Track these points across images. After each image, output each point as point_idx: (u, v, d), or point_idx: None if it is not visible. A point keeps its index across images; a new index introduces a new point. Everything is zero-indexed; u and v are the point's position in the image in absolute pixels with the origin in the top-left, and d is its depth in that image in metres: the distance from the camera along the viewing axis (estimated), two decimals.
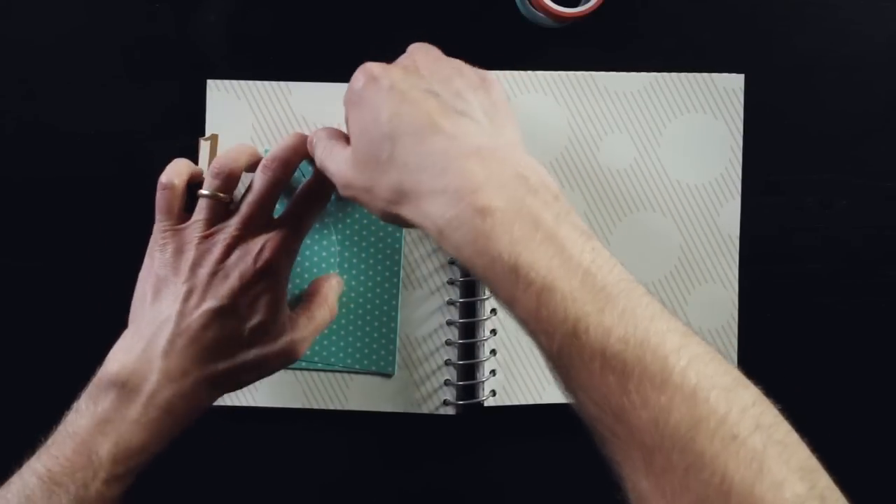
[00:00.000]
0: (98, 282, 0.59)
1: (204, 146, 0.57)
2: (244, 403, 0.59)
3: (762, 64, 0.60)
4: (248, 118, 0.58)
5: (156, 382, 0.45)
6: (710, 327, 0.60)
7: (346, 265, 0.58)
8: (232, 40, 0.59)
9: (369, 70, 0.44)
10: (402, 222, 0.42)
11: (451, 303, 0.59)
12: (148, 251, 0.51)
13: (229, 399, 0.59)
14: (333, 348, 0.58)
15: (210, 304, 0.47)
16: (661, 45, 0.60)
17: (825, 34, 0.61)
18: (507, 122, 0.44)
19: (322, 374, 0.59)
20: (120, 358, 0.47)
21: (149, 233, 0.60)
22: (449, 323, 0.59)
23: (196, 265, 0.48)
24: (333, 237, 0.58)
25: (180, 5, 0.59)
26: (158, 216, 0.50)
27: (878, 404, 0.62)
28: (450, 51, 0.59)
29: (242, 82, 0.58)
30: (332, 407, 0.59)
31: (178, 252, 0.49)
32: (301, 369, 0.59)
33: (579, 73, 0.59)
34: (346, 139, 0.47)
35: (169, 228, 0.50)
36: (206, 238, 0.49)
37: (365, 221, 0.58)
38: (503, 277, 0.36)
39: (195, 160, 0.54)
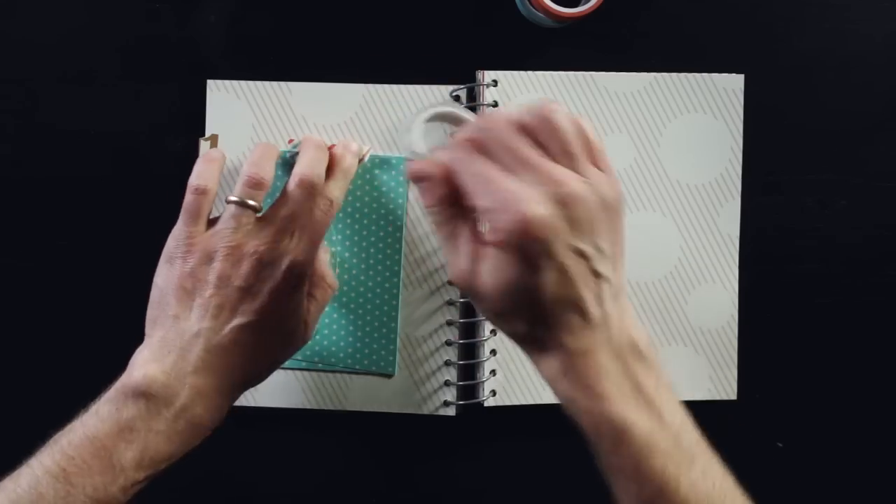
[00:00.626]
0: (98, 282, 0.59)
1: (204, 146, 0.57)
2: (245, 403, 0.59)
3: (762, 64, 0.60)
4: (248, 118, 0.58)
5: (186, 398, 0.45)
6: (710, 327, 0.60)
7: (346, 265, 0.58)
8: (232, 40, 0.59)
9: (529, 211, 0.39)
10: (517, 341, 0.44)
11: (450, 303, 0.59)
12: (166, 255, 0.49)
13: None
14: (334, 348, 0.58)
15: (241, 320, 0.47)
16: (661, 45, 0.60)
17: (825, 34, 0.61)
18: (623, 254, 0.43)
19: (322, 374, 0.59)
20: (148, 369, 0.46)
21: (149, 232, 0.60)
22: (449, 323, 0.59)
23: (225, 278, 0.47)
24: (334, 237, 0.58)
25: (180, 5, 0.59)
26: (185, 220, 0.49)
27: (878, 404, 0.62)
28: (450, 51, 0.59)
29: (242, 82, 0.58)
30: (332, 407, 0.59)
31: (205, 261, 0.48)
32: (301, 370, 0.59)
33: (579, 74, 0.59)
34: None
35: (196, 235, 0.49)
36: (234, 248, 0.48)
37: (365, 222, 0.58)
38: (608, 433, 0.40)
39: (194, 160, 0.54)
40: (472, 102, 0.58)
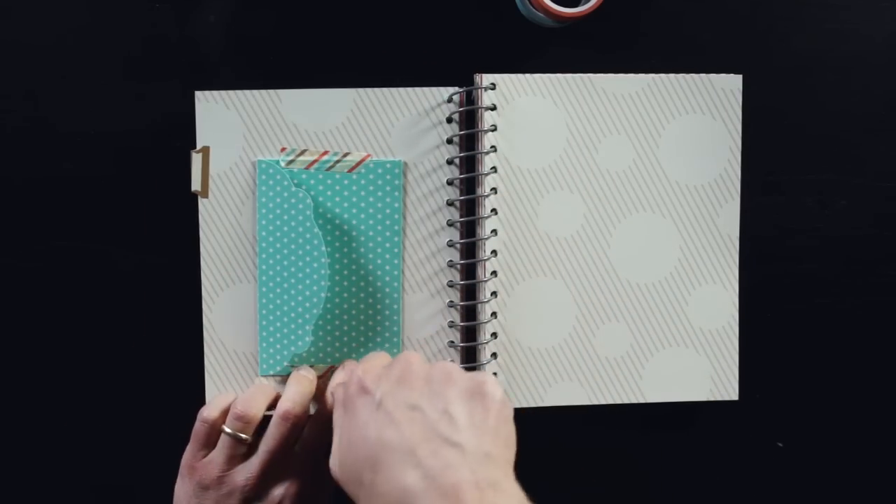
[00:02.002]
0: (98, 282, 0.59)
1: (196, 159, 0.57)
2: None
3: (761, 64, 0.60)
4: (238, 128, 0.58)
5: None
6: (710, 328, 0.60)
7: (346, 271, 0.58)
8: (232, 41, 0.59)
9: (361, 382, 0.47)
10: None
11: (451, 305, 0.59)
12: (181, 468, 0.55)
13: None
14: (336, 354, 0.58)
15: None
16: (661, 45, 0.60)
17: (825, 34, 0.61)
18: (497, 439, 0.44)
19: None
20: None
21: (149, 233, 0.60)
22: (450, 325, 0.59)
23: None
24: (324, 248, 0.58)
25: (180, 5, 0.59)
26: (191, 445, 0.55)
27: (878, 404, 0.62)
28: (450, 51, 0.59)
29: (231, 92, 0.58)
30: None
31: (202, 487, 0.53)
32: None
33: (577, 76, 0.59)
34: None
35: (198, 460, 0.54)
36: (223, 478, 0.53)
37: (362, 227, 0.58)
38: None
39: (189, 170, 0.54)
40: (470, 106, 0.58)
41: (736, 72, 0.59)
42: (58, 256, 0.59)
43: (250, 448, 0.54)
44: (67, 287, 0.59)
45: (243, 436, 0.53)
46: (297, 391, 0.55)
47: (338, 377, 0.54)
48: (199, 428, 0.54)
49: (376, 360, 0.52)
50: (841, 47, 0.61)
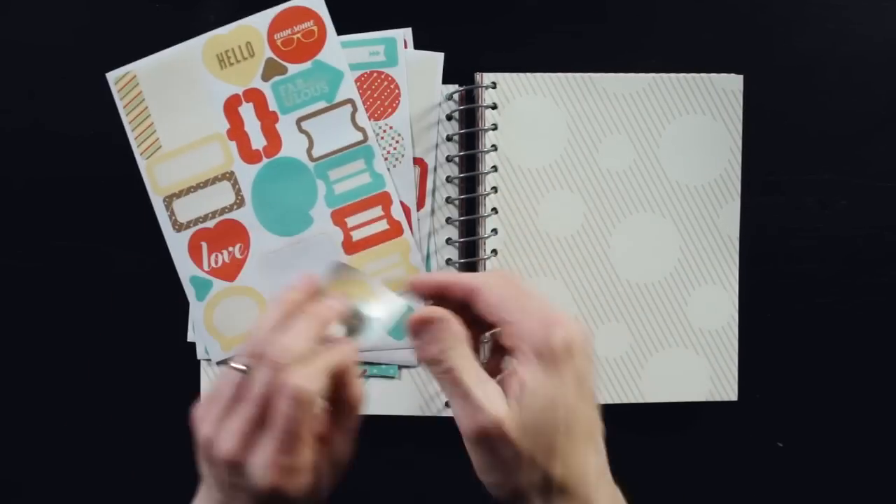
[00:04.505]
0: (98, 282, 0.59)
1: None
2: None
3: (762, 64, 0.60)
4: None
5: None
6: (710, 328, 0.60)
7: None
8: None
9: (570, 345, 0.40)
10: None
11: None
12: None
13: None
14: None
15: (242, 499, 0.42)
16: (662, 45, 0.60)
17: (825, 34, 0.61)
18: None
19: None
20: None
21: (149, 233, 0.60)
22: None
23: (212, 468, 0.43)
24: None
25: (180, 5, 0.59)
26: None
27: (878, 404, 0.62)
28: (450, 52, 0.59)
29: None
30: None
31: (208, 460, 0.43)
32: None
33: (578, 75, 0.59)
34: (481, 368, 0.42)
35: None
36: (210, 443, 0.42)
37: None
38: None
39: None
40: (471, 104, 0.58)
41: (736, 72, 0.59)
42: (58, 256, 0.59)
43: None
44: (67, 287, 0.59)
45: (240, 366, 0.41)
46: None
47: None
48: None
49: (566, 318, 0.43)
50: (841, 47, 0.61)
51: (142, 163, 0.57)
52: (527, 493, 0.41)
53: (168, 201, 0.57)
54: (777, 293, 0.61)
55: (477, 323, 0.43)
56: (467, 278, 0.43)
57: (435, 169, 0.59)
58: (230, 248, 0.57)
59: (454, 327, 0.42)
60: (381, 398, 0.59)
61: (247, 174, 0.57)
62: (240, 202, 0.57)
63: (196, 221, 0.57)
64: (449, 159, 0.58)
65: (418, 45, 0.59)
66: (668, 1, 0.60)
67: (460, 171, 0.58)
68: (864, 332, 0.62)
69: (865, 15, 0.61)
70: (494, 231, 0.58)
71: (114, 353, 0.60)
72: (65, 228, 0.59)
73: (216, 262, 0.58)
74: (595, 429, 0.42)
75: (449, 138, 0.58)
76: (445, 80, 0.58)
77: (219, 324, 0.58)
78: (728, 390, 0.60)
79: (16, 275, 0.59)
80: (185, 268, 0.58)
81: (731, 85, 0.59)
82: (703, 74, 0.59)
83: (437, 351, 0.41)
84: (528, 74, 0.58)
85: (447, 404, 0.59)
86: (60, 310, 0.59)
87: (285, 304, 0.43)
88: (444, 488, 0.61)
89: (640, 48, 0.60)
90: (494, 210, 0.58)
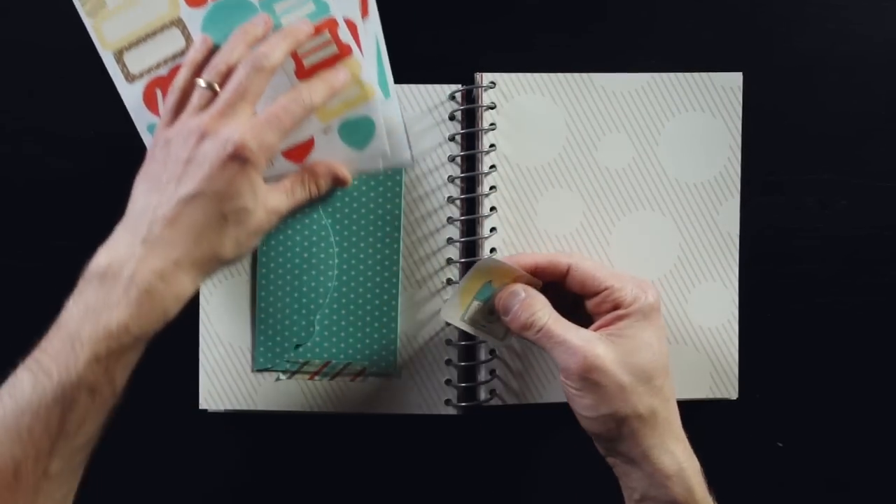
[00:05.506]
0: None
1: None
2: (245, 408, 0.59)
3: (762, 63, 0.60)
4: None
5: (134, 266, 0.45)
6: (710, 326, 0.60)
7: (344, 266, 0.58)
8: None
9: (656, 301, 0.51)
10: (621, 436, 0.49)
11: None
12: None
13: (230, 404, 0.59)
14: (334, 350, 0.58)
15: (184, 190, 0.47)
16: (661, 44, 0.60)
17: (825, 34, 0.61)
18: None
19: (322, 377, 0.59)
20: (104, 251, 0.47)
21: None
22: (449, 324, 0.59)
23: (175, 153, 0.48)
24: (332, 238, 0.58)
25: None
26: (161, 118, 0.52)
27: (878, 404, 0.62)
28: (450, 52, 0.59)
29: None
30: (332, 410, 0.59)
31: (166, 144, 0.49)
32: (301, 373, 0.59)
33: (577, 75, 0.59)
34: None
35: (166, 125, 0.51)
36: (186, 125, 0.49)
37: (363, 222, 0.58)
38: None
39: None
40: (471, 104, 0.58)
41: (736, 71, 0.59)
42: (58, 256, 0.59)
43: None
44: (67, 287, 0.59)
45: (216, 85, 0.50)
46: (272, 37, 0.52)
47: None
48: (170, 96, 0.52)
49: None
50: (841, 47, 0.61)
51: (88, 22, 0.57)
52: (628, 420, 0.47)
53: (118, 55, 0.57)
54: (777, 293, 0.61)
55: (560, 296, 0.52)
56: (558, 257, 0.52)
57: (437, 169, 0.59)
58: None
59: (536, 295, 0.51)
60: (381, 397, 0.59)
61: (194, 18, 0.56)
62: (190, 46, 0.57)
63: (149, 71, 0.57)
64: (451, 159, 0.58)
65: (418, 44, 0.59)
66: (668, 0, 0.60)
67: (462, 171, 0.58)
68: (864, 332, 0.62)
69: (865, 15, 0.61)
70: (494, 230, 0.58)
71: None
72: (65, 228, 0.59)
73: None
74: (669, 367, 0.50)
75: (451, 138, 0.58)
76: (446, 80, 0.58)
77: None
78: (728, 388, 0.60)
79: (16, 275, 0.59)
80: (142, 118, 0.57)
81: (730, 82, 0.59)
82: (702, 73, 0.59)
83: (527, 316, 0.50)
84: (526, 74, 0.58)
85: (446, 402, 0.59)
86: (60, 310, 0.59)
87: (248, 34, 0.52)
88: (444, 488, 0.61)
89: (640, 48, 0.60)
90: (494, 209, 0.58)
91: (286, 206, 0.52)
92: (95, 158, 0.59)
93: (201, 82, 0.50)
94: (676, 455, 0.48)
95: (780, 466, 0.61)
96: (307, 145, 0.56)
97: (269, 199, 0.50)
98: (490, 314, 0.54)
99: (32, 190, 0.59)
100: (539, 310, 0.50)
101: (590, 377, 0.47)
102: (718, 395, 0.60)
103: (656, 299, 0.50)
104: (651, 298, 0.50)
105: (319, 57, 0.55)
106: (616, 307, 0.50)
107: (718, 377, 0.60)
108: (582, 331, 0.49)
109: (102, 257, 0.47)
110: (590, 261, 0.52)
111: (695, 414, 0.61)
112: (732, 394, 0.60)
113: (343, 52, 0.55)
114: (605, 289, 0.50)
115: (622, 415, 0.47)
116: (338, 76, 0.54)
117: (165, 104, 0.52)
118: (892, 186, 0.61)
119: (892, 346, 0.62)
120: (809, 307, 0.62)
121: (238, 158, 0.47)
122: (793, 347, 0.61)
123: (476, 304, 0.53)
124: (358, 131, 0.56)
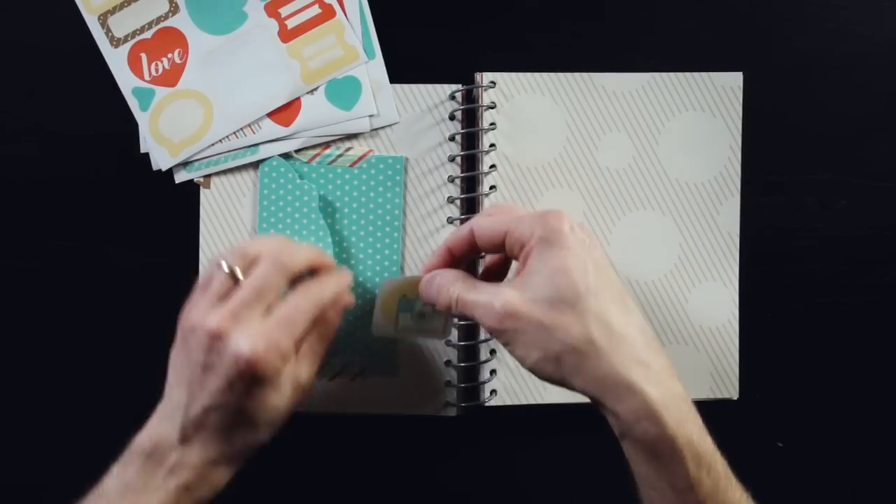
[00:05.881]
0: (98, 282, 0.59)
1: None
2: None
3: (762, 63, 0.60)
4: None
5: (174, 459, 0.46)
6: (710, 325, 0.60)
7: (344, 266, 0.58)
8: None
9: (571, 223, 0.45)
10: (566, 374, 0.44)
11: None
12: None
13: None
14: (333, 350, 0.58)
15: (206, 399, 0.46)
16: (661, 44, 0.60)
17: (825, 34, 0.61)
18: None
19: (322, 377, 0.59)
20: (150, 430, 0.47)
21: (149, 233, 0.60)
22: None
23: (194, 354, 0.46)
24: (330, 239, 0.58)
25: None
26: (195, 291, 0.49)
27: (878, 404, 0.62)
28: (450, 52, 0.59)
29: None
30: (333, 410, 0.59)
31: (187, 336, 0.47)
32: None
33: (577, 74, 0.59)
34: (478, 279, 0.49)
35: (193, 304, 0.48)
36: (204, 322, 0.46)
37: (363, 222, 0.58)
38: (692, 457, 0.44)
39: None
40: (471, 104, 0.58)
41: (736, 71, 0.59)
42: (58, 256, 0.59)
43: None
44: (67, 287, 0.59)
45: (238, 273, 0.47)
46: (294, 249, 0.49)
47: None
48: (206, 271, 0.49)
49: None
50: (841, 47, 0.61)
51: None
52: (563, 357, 0.43)
53: (103, 19, 0.58)
54: (777, 293, 0.61)
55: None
56: (460, 230, 0.49)
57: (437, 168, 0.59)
58: (169, 55, 0.58)
59: (446, 272, 0.49)
60: (381, 398, 0.59)
61: None
62: (174, 9, 0.58)
63: (133, 34, 0.58)
64: (451, 159, 0.58)
65: (418, 44, 0.59)
66: (668, 0, 0.60)
67: (462, 170, 0.58)
68: (864, 332, 0.62)
69: (865, 15, 0.61)
70: None
71: (114, 352, 0.59)
72: (65, 228, 0.59)
73: (157, 71, 0.58)
74: (620, 290, 0.45)
75: (451, 138, 0.58)
76: (446, 80, 0.58)
77: (165, 130, 0.58)
78: (729, 388, 0.60)
79: (16, 275, 0.59)
80: (127, 81, 0.58)
81: (730, 82, 0.59)
82: (702, 72, 0.59)
83: (444, 296, 0.48)
84: (526, 74, 0.58)
85: (446, 403, 0.59)
86: (60, 310, 0.59)
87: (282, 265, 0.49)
88: (444, 488, 0.61)
89: (640, 48, 0.60)
90: None
91: (315, 368, 0.50)
92: (95, 158, 0.59)
93: (224, 266, 0.47)
94: (637, 384, 0.43)
95: (780, 466, 0.61)
96: (295, 107, 0.56)
97: (300, 374, 0.48)
98: (421, 318, 0.53)
99: (32, 190, 0.59)
100: (451, 284, 0.48)
101: (506, 326, 0.44)
102: (719, 395, 0.60)
103: (559, 222, 0.45)
104: (552, 223, 0.45)
105: (303, 18, 0.56)
106: (522, 248, 0.46)
107: (719, 377, 0.60)
108: (492, 286, 0.46)
109: (146, 436, 0.47)
110: (494, 215, 0.48)
111: None
112: (733, 394, 0.60)
113: (326, 14, 0.56)
114: (509, 233, 0.46)
115: (554, 352, 0.43)
116: (345, 274, 0.52)
117: (198, 283, 0.48)
118: (892, 186, 0.61)
119: (892, 346, 0.62)
120: (809, 307, 0.61)
121: (250, 373, 0.45)
122: (793, 347, 0.61)
123: (402, 315, 0.53)
124: (345, 92, 0.58)
